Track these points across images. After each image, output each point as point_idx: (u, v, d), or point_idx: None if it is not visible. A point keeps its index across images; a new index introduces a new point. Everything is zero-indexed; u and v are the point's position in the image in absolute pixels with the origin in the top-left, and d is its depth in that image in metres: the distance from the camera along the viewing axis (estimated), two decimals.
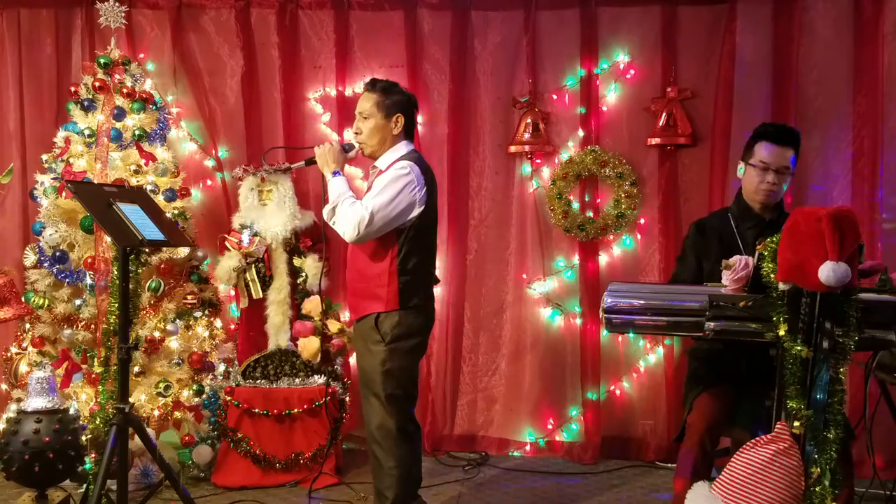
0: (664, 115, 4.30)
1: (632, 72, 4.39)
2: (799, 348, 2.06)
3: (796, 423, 2.06)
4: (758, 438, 2.09)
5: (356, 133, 3.08)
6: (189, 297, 4.05)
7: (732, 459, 2.11)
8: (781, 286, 2.09)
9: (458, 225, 4.51)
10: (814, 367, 2.05)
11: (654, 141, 4.34)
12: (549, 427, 4.51)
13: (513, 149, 4.46)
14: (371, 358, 2.98)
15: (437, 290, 4.51)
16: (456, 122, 4.49)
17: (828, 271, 1.93)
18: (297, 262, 4.13)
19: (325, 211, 2.95)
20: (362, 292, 3.02)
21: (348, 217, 2.86)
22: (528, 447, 4.52)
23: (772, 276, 2.12)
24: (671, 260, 4.20)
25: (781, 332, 2.10)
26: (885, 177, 4.11)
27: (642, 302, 2.41)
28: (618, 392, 4.46)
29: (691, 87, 4.32)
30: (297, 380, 4.04)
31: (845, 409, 2.09)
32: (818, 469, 2.03)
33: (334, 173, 2.99)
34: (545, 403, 4.51)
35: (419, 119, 4.48)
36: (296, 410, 3.90)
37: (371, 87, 3.06)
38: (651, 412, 4.43)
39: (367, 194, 2.94)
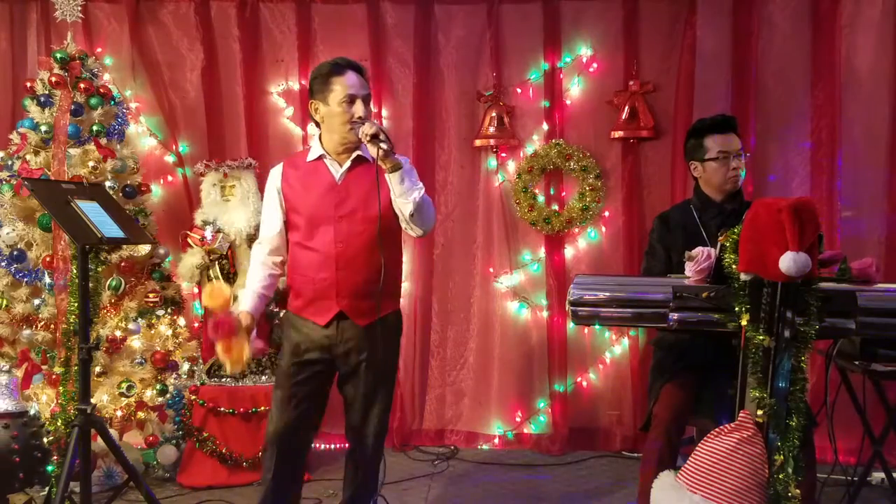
0: (627, 108, 4.33)
1: (594, 65, 4.41)
2: (761, 338, 2.08)
3: (759, 412, 2.08)
4: (721, 427, 2.11)
5: (364, 117, 2.56)
6: (151, 295, 3.99)
7: (697, 448, 2.13)
8: (743, 276, 2.11)
9: None
10: (775, 356, 2.07)
11: (618, 134, 4.36)
12: (518, 420, 4.53)
13: (478, 143, 4.46)
14: (395, 359, 2.82)
15: (405, 285, 4.52)
16: (421, 116, 4.47)
17: (788, 261, 1.95)
18: None
19: (415, 202, 2.51)
20: (375, 292, 2.59)
21: (432, 209, 2.66)
22: (496, 440, 4.53)
23: (734, 266, 2.14)
24: (636, 252, 4.23)
25: (743, 322, 2.12)
26: (843, 167, 4.18)
27: (607, 294, 2.42)
28: (584, 383, 4.49)
29: (653, 80, 4.35)
30: (262, 378, 4.00)
31: (807, 397, 2.12)
32: (781, 456, 2.06)
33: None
34: (513, 396, 4.53)
35: (384, 113, 4.48)
36: (262, 408, 3.84)
37: (361, 72, 2.62)
38: (617, 403, 4.47)
39: (406, 186, 2.52)
